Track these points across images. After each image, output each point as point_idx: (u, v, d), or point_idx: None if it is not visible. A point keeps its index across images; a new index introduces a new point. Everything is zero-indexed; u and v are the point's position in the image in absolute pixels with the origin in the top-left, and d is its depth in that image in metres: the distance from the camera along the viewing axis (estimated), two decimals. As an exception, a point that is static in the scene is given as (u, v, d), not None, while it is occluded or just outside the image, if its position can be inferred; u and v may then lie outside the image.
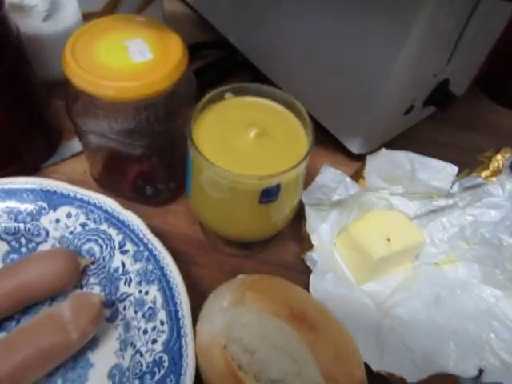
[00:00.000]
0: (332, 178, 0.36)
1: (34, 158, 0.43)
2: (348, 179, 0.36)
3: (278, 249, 0.41)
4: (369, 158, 0.37)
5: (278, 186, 0.30)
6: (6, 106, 0.37)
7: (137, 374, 0.30)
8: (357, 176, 0.38)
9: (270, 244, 0.41)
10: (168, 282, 0.33)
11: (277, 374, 0.27)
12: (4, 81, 0.36)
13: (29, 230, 0.36)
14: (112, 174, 0.41)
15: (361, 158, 0.45)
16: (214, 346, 0.28)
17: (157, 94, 0.31)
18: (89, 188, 0.37)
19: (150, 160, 0.38)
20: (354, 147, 0.45)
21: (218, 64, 0.53)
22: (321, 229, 0.40)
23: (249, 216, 0.33)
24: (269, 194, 0.30)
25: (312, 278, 0.37)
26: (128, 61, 0.31)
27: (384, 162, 0.38)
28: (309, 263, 0.38)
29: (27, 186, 0.36)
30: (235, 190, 0.30)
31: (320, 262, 0.37)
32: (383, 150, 0.38)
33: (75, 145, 0.45)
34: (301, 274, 0.39)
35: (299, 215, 0.38)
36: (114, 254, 0.35)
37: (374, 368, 0.33)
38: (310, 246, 0.37)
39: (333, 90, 0.42)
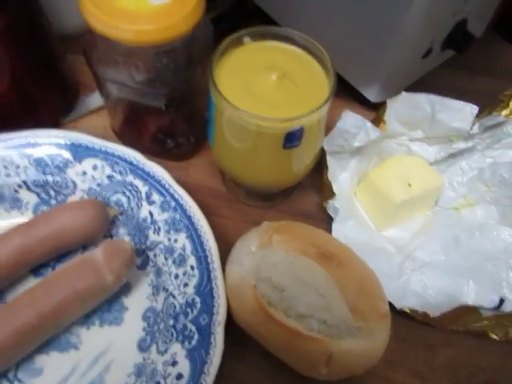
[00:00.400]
0: (353, 122, 0.36)
1: (51, 111, 0.43)
2: (369, 124, 0.36)
3: (298, 199, 0.42)
4: (389, 102, 0.37)
5: (301, 130, 0.30)
6: (20, 52, 0.37)
7: (170, 314, 0.31)
8: (377, 121, 0.38)
9: (291, 195, 0.42)
10: (196, 229, 0.33)
11: (305, 308, 0.28)
12: (19, 29, 0.35)
13: (57, 182, 0.36)
14: (133, 128, 0.41)
15: (378, 107, 0.44)
16: (244, 286, 0.29)
17: (176, 37, 0.30)
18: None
19: (170, 113, 0.38)
20: (372, 95, 0.44)
21: (228, 14, 0.52)
22: (341, 177, 0.40)
23: (272, 163, 0.34)
24: (292, 139, 0.31)
25: (334, 225, 0.37)
26: (146, 3, 0.31)
27: (404, 106, 0.37)
28: (330, 211, 0.39)
29: (52, 139, 0.36)
30: (259, 135, 0.30)
31: (341, 210, 0.38)
32: (403, 94, 0.37)
33: (94, 100, 0.45)
34: (322, 222, 0.40)
35: (319, 165, 0.38)
36: (141, 205, 0.35)
37: (398, 306, 0.34)
38: (331, 195, 0.38)
39: (348, 35, 0.41)
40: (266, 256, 0.30)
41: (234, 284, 0.30)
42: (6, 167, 0.36)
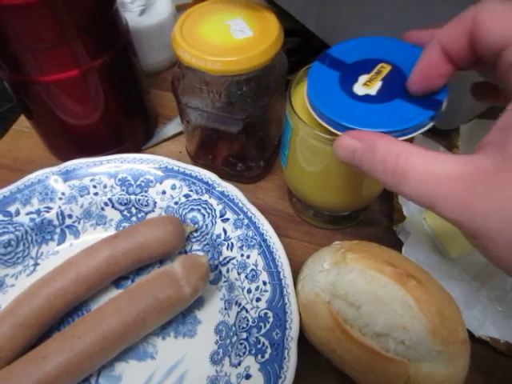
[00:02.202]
0: (425, 147, 0.36)
1: (134, 139, 0.47)
2: (442, 148, 0.36)
3: (366, 222, 0.42)
4: (462, 128, 0.37)
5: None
6: (114, 87, 0.41)
7: (243, 328, 0.32)
8: (450, 146, 0.37)
9: (358, 218, 0.42)
10: (268, 246, 0.35)
11: (383, 327, 0.27)
12: (116, 67, 0.40)
13: (139, 200, 0.39)
14: (207, 152, 0.44)
15: (445, 134, 0.44)
16: (318, 302, 0.30)
17: (257, 67, 0.33)
18: (184, 165, 0.40)
19: (242, 138, 0.40)
20: (441, 123, 0.44)
21: (298, 49, 0.55)
22: (410, 202, 0.40)
23: (344, 184, 0.34)
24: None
25: (404, 249, 0.37)
26: (231, 38, 0.34)
27: (478, 131, 0.37)
28: (400, 235, 0.38)
29: (136, 162, 0.40)
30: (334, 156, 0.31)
31: (412, 234, 0.37)
32: (476, 120, 0.37)
33: (170, 129, 0.49)
34: (391, 246, 0.39)
35: (387, 190, 0.38)
36: (215, 222, 0.37)
37: (476, 333, 0.32)
38: (402, 218, 0.38)
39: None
40: (341, 273, 0.30)
41: (308, 300, 0.31)
42: (95, 186, 0.39)
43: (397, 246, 0.39)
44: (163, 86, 0.54)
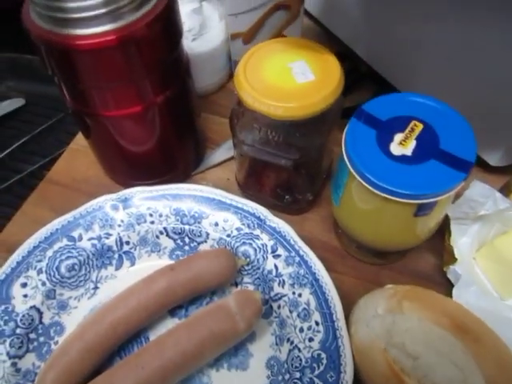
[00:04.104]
0: (481, 192, 0.36)
1: (186, 166, 0.48)
2: (498, 194, 0.36)
3: (413, 259, 0.42)
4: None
5: (435, 202, 0.31)
6: (173, 120, 0.42)
7: (297, 367, 0.33)
8: (506, 189, 0.37)
9: (405, 254, 0.42)
10: (320, 286, 0.35)
11: (442, 379, 0.28)
12: (176, 99, 0.41)
13: (192, 230, 0.41)
14: (255, 182, 0.45)
15: (498, 170, 0.44)
16: (374, 349, 0.30)
17: (318, 112, 0.34)
18: (232, 193, 0.41)
19: (292, 172, 0.41)
20: (493, 160, 0.44)
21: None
22: (461, 242, 0.40)
23: (398, 227, 0.35)
24: (425, 208, 0.32)
25: (455, 291, 0.37)
26: (293, 82, 0.35)
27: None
28: (450, 276, 0.38)
29: (191, 192, 0.41)
30: (390, 203, 0.32)
31: (463, 276, 0.38)
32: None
33: (218, 155, 0.50)
34: (439, 285, 0.40)
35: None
36: (267, 258, 0.38)
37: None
38: (452, 260, 0.38)
39: (474, 101, 0.42)
40: (397, 321, 0.30)
41: (364, 346, 0.31)
42: (151, 215, 0.41)
43: (445, 284, 0.39)
44: (211, 108, 0.55)
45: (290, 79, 0.35)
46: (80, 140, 0.53)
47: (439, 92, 0.44)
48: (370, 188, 0.31)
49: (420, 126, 0.32)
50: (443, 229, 0.39)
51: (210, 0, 0.53)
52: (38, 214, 0.47)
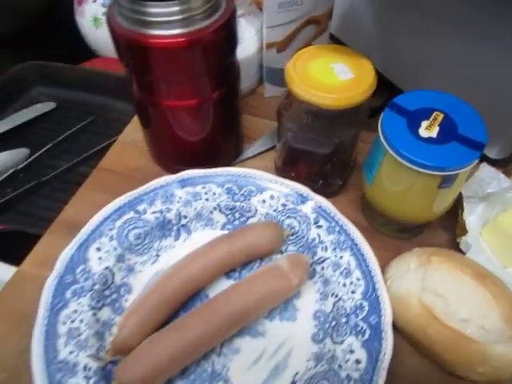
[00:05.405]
0: (488, 173, 0.44)
1: (228, 156, 0.55)
2: (501, 175, 0.44)
3: (429, 235, 0.49)
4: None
5: (456, 175, 0.38)
6: (222, 114, 0.49)
7: (342, 314, 0.39)
8: (507, 173, 0.45)
9: (423, 230, 0.49)
10: (359, 249, 0.42)
11: (467, 314, 0.34)
12: (227, 96, 0.48)
13: (242, 207, 0.47)
14: (293, 168, 0.52)
15: (497, 163, 0.52)
16: (408, 295, 0.37)
17: (358, 103, 0.41)
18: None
19: (327, 159, 0.48)
20: (492, 153, 0.52)
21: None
22: (469, 220, 0.47)
23: (423, 201, 0.42)
24: (447, 181, 0.39)
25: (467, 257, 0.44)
26: (336, 79, 0.42)
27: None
28: (462, 246, 0.45)
29: (240, 173, 0.47)
30: (419, 176, 0.39)
31: (473, 246, 0.45)
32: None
33: (255, 148, 0.57)
34: (452, 256, 0.47)
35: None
36: (310, 228, 0.45)
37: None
38: (464, 232, 0.45)
39: (475, 103, 0.50)
40: (429, 272, 0.37)
41: (399, 294, 0.38)
42: (206, 193, 0.47)
43: (458, 255, 0.46)
44: (244, 109, 0.62)
45: (333, 77, 0.42)
46: (128, 134, 0.59)
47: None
48: (403, 162, 0.38)
49: (441, 116, 0.40)
50: (455, 209, 0.46)
51: (246, 16, 0.61)
52: (94, 197, 0.52)
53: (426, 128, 0.39)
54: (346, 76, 0.42)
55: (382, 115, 0.41)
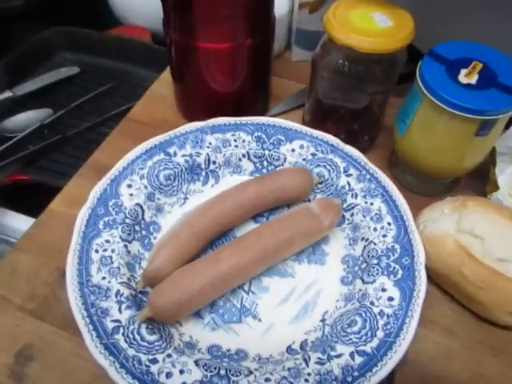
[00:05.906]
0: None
1: (254, 113, 0.54)
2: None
3: (457, 194, 0.49)
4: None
5: (495, 120, 0.38)
6: (255, 66, 0.49)
7: (373, 256, 0.39)
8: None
9: (451, 190, 0.49)
10: (390, 196, 0.42)
11: (504, 254, 0.34)
12: (261, 46, 0.48)
13: (271, 155, 0.47)
14: (321, 125, 0.52)
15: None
16: (444, 235, 0.37)
17: (396, 50, 0.41)
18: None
19: (357, 116, 0.48)
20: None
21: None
22: (499, 179, 0.47)
23: (458, 150, 0.41)
24: (485, 128, 0.39)
25: (497, 212, 0.44)
26: (375, 26, 0.42)
27: None
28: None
29: (270, 122, 0.47)
30: (456, 120, 0.39)
31: (504, 201, 0.44)
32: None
33: (281, 106, 0.57)
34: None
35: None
36: (339, 177, 0.44)
37: None
38: (495, 188, 0.45)
39: None
40: (464, 213, 0.37)
41: (433, 235, 0.38)
42: (235, 141, 0.47)
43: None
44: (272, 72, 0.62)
45: (372, 24, 0.42)
46: (156, 89, 0.59)
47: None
48: (442, 105, 0.38)
49: (480, 65, 0.40)
50: (483, 171, 0.46)
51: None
52: (122, 144, 0.52)
53: (466, 75, 0.39)
54: (386, 24, 0.42)
55: (420, 63, 0.41)
